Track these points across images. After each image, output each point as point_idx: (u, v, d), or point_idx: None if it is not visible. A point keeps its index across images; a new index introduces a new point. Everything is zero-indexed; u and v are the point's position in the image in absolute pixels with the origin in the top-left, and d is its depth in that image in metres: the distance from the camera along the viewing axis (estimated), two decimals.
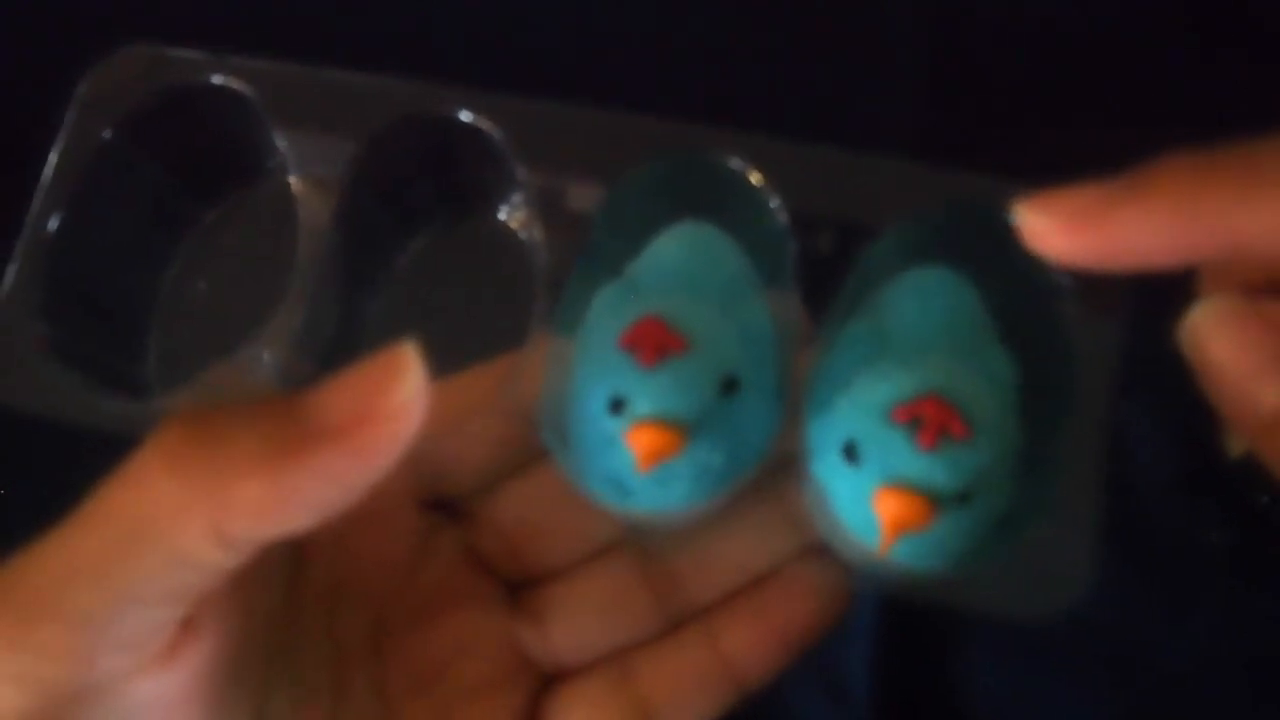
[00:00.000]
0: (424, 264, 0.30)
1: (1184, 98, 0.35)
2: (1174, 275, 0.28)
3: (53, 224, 0.27)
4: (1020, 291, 0.22)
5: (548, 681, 0.24)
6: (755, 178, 0.23)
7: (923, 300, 0.22)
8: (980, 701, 0.29)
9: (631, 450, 0.20)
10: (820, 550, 0.22)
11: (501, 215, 0.30)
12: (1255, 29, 0.35)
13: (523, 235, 0.29)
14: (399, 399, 0.17)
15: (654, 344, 0.20)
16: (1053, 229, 0.18)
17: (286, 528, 0.18)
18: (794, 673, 0.23)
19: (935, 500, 0.19)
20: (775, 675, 0.23)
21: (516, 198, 0.29)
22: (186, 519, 0.17)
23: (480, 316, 0.29)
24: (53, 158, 0.27)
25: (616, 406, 0.20)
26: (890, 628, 0.30)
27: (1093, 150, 0.35)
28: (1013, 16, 0.36)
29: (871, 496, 0.19)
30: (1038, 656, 0.29)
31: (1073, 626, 0.25)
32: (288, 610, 0.22)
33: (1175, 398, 0.30)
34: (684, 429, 0.20)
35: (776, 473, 0.22)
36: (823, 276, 0.22)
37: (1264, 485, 0.29)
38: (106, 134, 0.27)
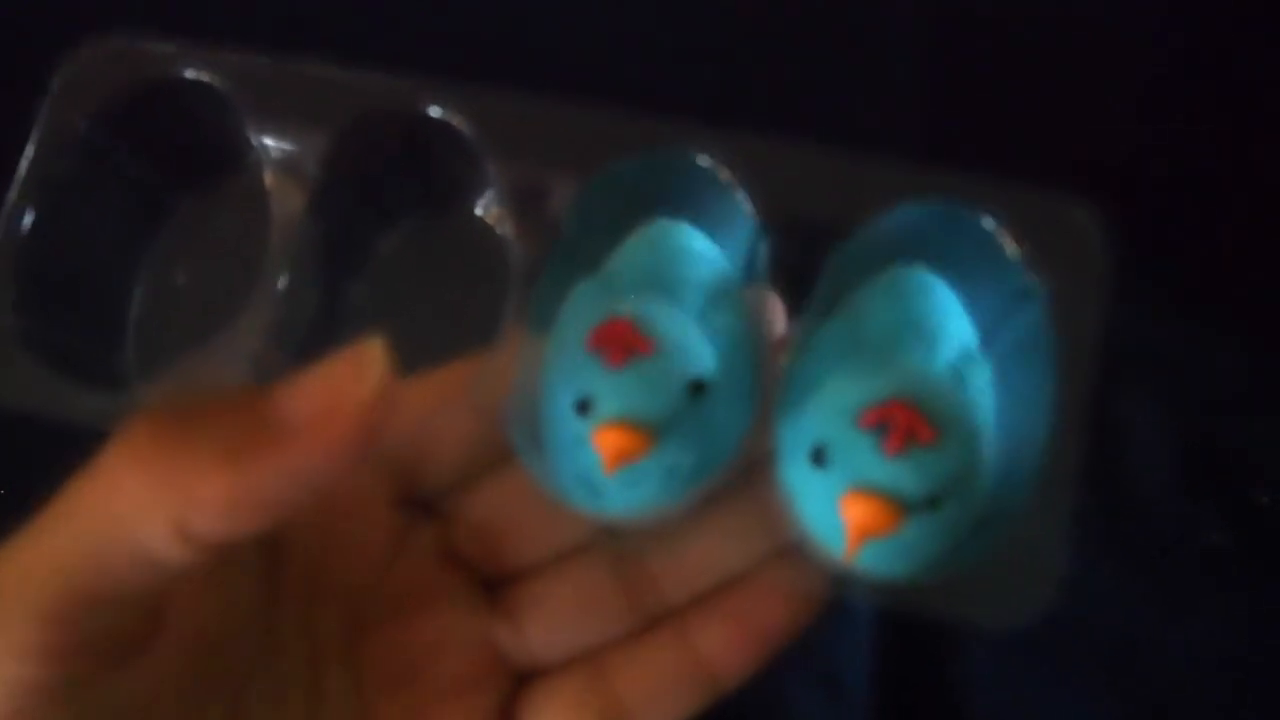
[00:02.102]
0: (399, 257, 0.30)
1: (1183, 97, 0.35)
2: (1163, 271, 0.28)
3: (27, 216, 0.27)
4: (995, 293, 0.21)
5: (523, 680, 0.24)
6: (728, 175, 0.23)
7: (897, 301, 0.22)
8: (978, 699, 0.29)
9: (599, 451, 0.20)
10: (795, 550, 0.22)
11: (476, 210, 0.29)
12: (1254, 31, 0.35)
13: (497, 230, 0.29)
14: (364, 396, 0.17)
15: (621, 345, 0.20)
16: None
17: (251, 526, 0.18)
18: (792, 669, 0.23)
19: (902, 505, 0.19)
20: (750, 675, 0.23)
21: (491, 193, 0.28)
22: (151, 518, 0.17)
23: (454, 311, 0.29)
24: (28, 149, 0.27)
25: (583, 407, 0.20)
26: (889, 625, 0.30)
27: (1093, 151, 0.35)
28: (1011, 18, 0.36)
29: (837, 501, 0.19)
30: (1036, 656, 0.29)
31: (1071, 626, 0.25)
32: (263, 606, 0.22)
33: (1174, 398, 0.31)
34: (650, 430, 0.20)
35: (752, 472, 0.22)
36: (799, 275, 0.22)
37: (1264, 485, 0.29)
38: (81, 126, 0.27)
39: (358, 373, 0.17)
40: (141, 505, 0.17)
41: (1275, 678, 0.29)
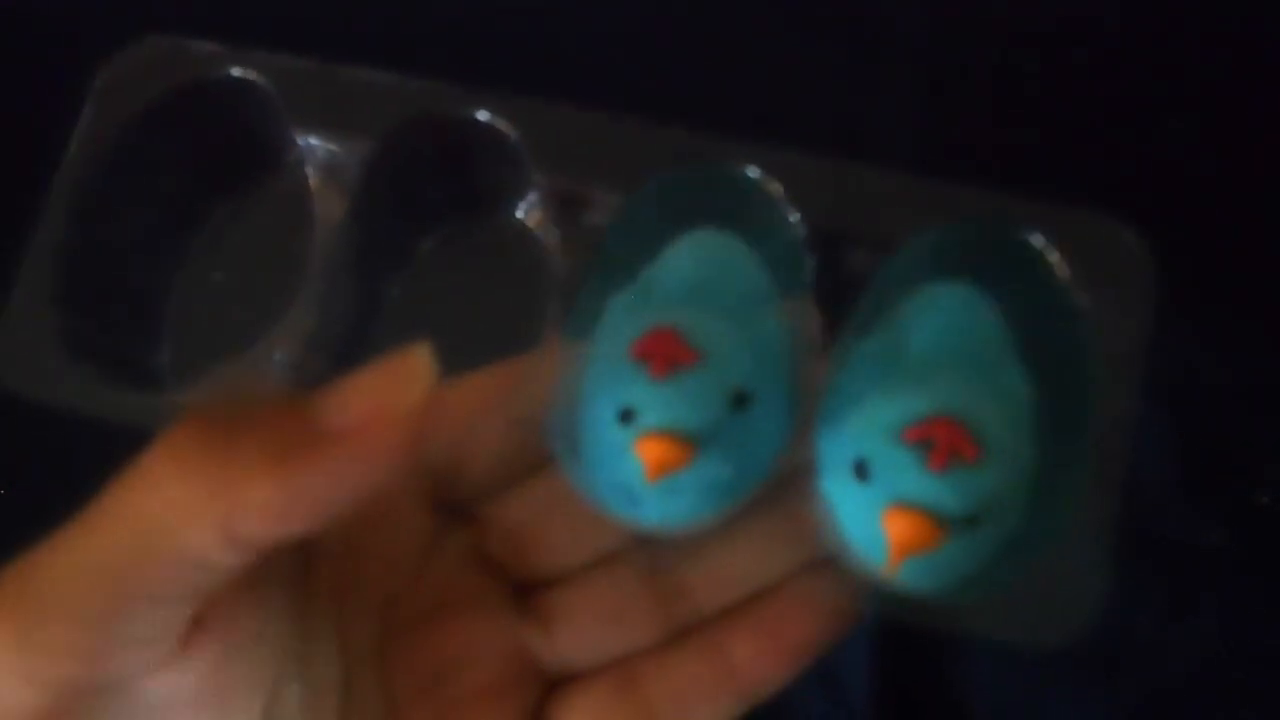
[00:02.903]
0: (439, 262, 0.30)
1: (1182, 100, 0.35)
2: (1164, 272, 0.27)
3: (69, 215, 0.27)
4: (1040, 312, 0.21)
5: (553, 686, 0.24)
6: (773, 188, 0.23)
7: (941, 316, 0.22)
8: (978, 697, 0.29)
9: (640, 460, 0.20)
10: (828, 563, 0.22)
11: (518, 215, 0.29)
12: (1255, 34, 0.35)
13: (538, 236, 0.29)
14: (409, 402, 0.17)
15: (665, 355, 0.20)
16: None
17: (295, 529, 0.18)
18: None
19: (944, 523, 0.19)
20: (781, 687, 0.23)
21: (532, 199, 0.28)
22: (195, 521, 0.17)
23: (494, 315, 0.29)
24: (70, 147, 0.27)
25: (626, 417, 0.20)
26: (890, 625, 0.29)
27: (1090, 152, 0.35)
28: (1016, 27, 0.36)
29: (879, 516, 0.19)
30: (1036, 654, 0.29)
31: None
32: (298, 609, 0.22)
33: (1176, 398, 0.31)
34: (693, 442, 0.20)
35: (787, 484, 0.22)
36: (842, 288, 0.22)
37: (1264, 485, 0.29)
38: (124, 125, 0.27)
39: (404, 379, 0.18)
40: (187, 508, 0.17)
41: (1275, 678, 0.29)
